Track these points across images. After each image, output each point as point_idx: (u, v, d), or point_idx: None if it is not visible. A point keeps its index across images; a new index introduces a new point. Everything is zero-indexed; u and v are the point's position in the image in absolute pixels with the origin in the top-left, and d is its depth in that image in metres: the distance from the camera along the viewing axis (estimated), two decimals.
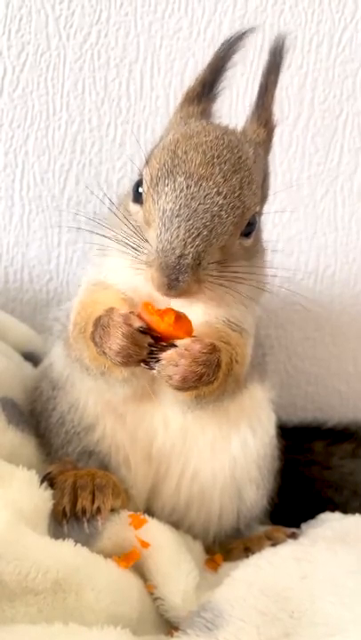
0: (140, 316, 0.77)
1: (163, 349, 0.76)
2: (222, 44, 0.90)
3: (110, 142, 1.27)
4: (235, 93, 1.24)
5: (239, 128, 0.89)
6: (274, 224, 1.30)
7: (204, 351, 0.76)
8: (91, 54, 1.24)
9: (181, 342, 0.76)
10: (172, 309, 0.77)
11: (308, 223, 1.32)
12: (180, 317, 0.78)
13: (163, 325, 0.77)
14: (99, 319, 0.79)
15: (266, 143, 0.90)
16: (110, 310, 0.79)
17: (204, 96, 0.90)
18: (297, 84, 1.27)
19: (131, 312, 0.78)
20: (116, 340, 0.76)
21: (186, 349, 0.76)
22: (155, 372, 0.77)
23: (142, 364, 0.77)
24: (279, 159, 1.29)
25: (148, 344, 0.76)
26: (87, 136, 1.27)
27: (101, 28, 1.23)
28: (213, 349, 0.78)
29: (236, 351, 0.83)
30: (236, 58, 0.91)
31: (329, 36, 1.25)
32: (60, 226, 1.30)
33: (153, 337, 0.77)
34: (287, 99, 1.27)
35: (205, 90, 0.90)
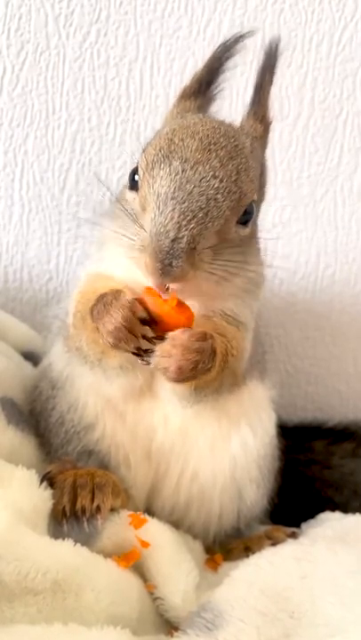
0: (142, 300, 0.77)
1: (156, 343, 0.76)
2: (220, 45, 0.90)
3: (110, 141, 1.27)
4: (234, 92, 1.24)
5: (236, 123, 0.89)
6: (274, 223, 1.30)
7: (194, 339, 0.76)
8: (90, 53, 1.24)
9: (171, 334, 0.76)
10: (175, 295, 0.76)
11: (308, 223, 1.32)
12: (182, 304, 0.77)
13: (165, 307, 0.76)
14: (103, 295, 0.79)
15: (263, 138, 0.90)
16: (118, 292, 0.79)
17: (201, 93, 0.90)
18: (297, 83, 1.27)
19: (137, 299, 0.77)
20: (113, 320, 0.76)
21: (175, 339, 0.75)
22: (152, 366, 0.77)
23: (139, 361, 0.77)
24: (279, 158, 1.29)
25: (142, 336, 0.76)
26: (87, 135, 1.27)
27: (101, 27, 1.23)
28: (204, 337, 0.77)
29: (232, 344, 0.83)
30: (234, 60, 0.91)
31: (329, 35, 1.25)
32: (60, 225, 1.30)
33: (152, 326, 0.77)
34: (287, 98, 1.26)
35: (202, 88, 0.90)
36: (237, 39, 0.90)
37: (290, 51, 1.24)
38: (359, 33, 1.25)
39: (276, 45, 0.89)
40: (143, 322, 0.77)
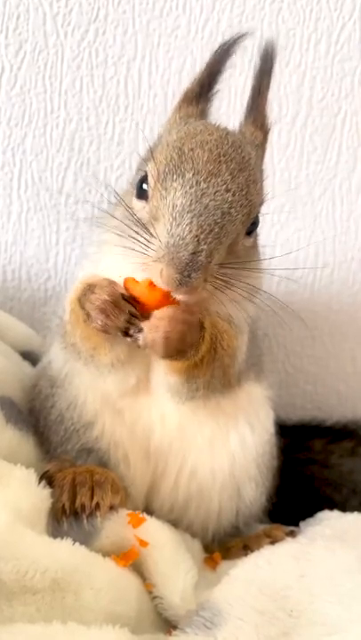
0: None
1: (143, 319, 0.78)
2: (219, 47, 0.91)
3: (108, 140, 1.27)
4: (233, 92, 1.24)
5: (236, 129, 0.89)
6: (272, 223, 1.30)
7: (180, 311, 0.77)
8: (89, 52, 1.24)
9: (159, 310, 0.77)
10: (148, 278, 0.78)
11: (306, 222, 1.32)
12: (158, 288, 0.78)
13: (138, 288, 0.78)
14: (89, 284, 0.82)
15: (262, 145, 0.91)
16: (100, 278, 0.81)
17: (202, 97, 0.90)
18: (295, 82, 1.27)
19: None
20: (98, 297, 0.78)
21: (162, 312, 0.77)
22: (140, 342, 0.78)
23: (128, 339, 0.79)
24: (277, 158, 1.29)
25: (128, 311, 0.78)
26: (85, 134, 1.27)
27: (99, 26, 1.23)
28: (191, 310, 0.78)
29: (223, 336, 0.83)
30: (233, 60, 0.91)
31: (327, 34, 1.25)
32: (59, 224, 1.30)
33: (136, 308, 0.79)
34: (285, 97, 1.26)
35: (203, 91, 0.90)
36: (236, 40, 0.91)
37: (288, 50, 1.24)
38: (357, 32, 1.25)
39: (273, 48, 0.89)
40: (126, 300, 0.78)
